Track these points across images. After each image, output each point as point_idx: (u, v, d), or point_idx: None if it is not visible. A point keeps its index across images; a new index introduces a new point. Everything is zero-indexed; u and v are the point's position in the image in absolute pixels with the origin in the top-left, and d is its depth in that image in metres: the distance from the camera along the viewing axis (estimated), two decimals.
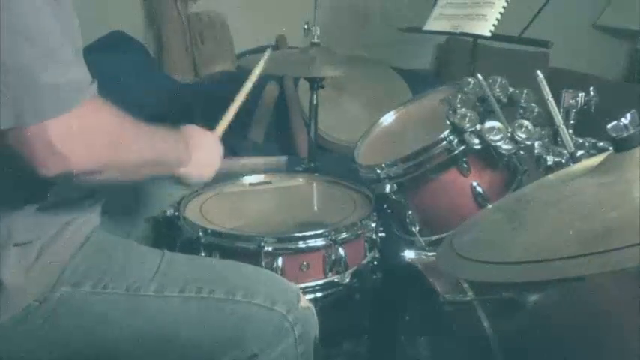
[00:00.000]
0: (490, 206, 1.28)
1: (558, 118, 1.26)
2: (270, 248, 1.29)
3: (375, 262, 1.45)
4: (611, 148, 0.89)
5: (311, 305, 1.20)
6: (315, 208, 1.56)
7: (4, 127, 0.85)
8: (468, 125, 1.32)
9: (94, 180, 0.95)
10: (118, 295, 1.07)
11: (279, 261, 1.30)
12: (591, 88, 1.29)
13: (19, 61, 0.84)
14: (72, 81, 0.89)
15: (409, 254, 1.36)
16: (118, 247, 1.16)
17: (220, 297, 1.11)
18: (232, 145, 2.47)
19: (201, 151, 1.21)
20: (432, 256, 1.33)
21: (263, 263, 1.28)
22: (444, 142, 1.35)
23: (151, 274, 1.10)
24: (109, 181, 0.99)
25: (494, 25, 1.92)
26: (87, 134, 0.91)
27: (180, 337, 1.10)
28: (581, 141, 1.26)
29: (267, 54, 1.49)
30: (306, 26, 1.97)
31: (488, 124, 1.32)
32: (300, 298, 1.18)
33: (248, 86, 1.41)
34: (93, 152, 0.92)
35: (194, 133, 1.23)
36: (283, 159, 1.56)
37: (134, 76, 2.42)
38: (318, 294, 1.34)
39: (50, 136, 0.87)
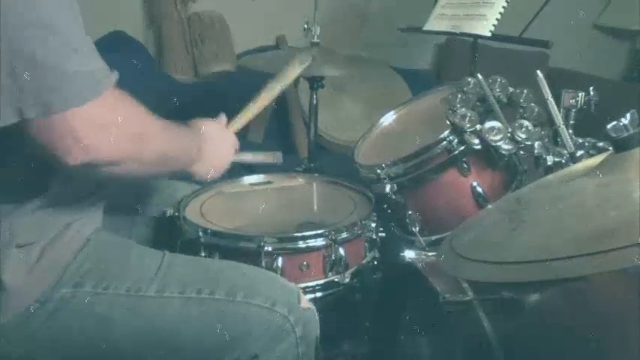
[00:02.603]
0: (490, 206, 1.28)
1: (558, 118, 1.26)
2: (270, 248, 1.29)
3: (375, 262, 1.45)
4: (611, 148, 0.89)
5: (312, 306, 1.20)
6: (315, 208, 1.56)
7: (29, 116, 0.86)
8: (468, 125, 1.32)
9: (114, 172, 0.96)
10: (119, 296, 1.07)
11: (279, 261, 1.30)
12: (591, 88, 1.29)
13: (45, 53, 0.86)
14: (95, 71, 0.91)
15: (409, 254, 1.35)
16: (118, 248, 1.16)
17: (221, 298, 1.11)
18: None
19: (213, 145, 1.22)
20: (432, 256, 1.33)
21: (263, 263, 1.28)
22: (444, 142, 1.35)
23: (152, 275, 1.10)
24: (127, 174, 1.00)
25: (494, 25, 1.92)
26: (112, 124, 0.92)
27: (180, 338, 1.10)
28: (581, 141, 1.26)
29: (307, 61, 1.49)
30: (306, 26, 1.97)
31: (488, 124, 1.32)
32: (300, 298, 1.18)
33: (277, 89, 1.42)
34: (117, 142, 0.93)
35: (206, 127, 1.24)
36: (279, 154, 1.54)
37: (134, 76, 2.41)
38: (318, 294, 1.34)
39: (76, 125, 0.88)
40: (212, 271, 1.18)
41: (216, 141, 1.24)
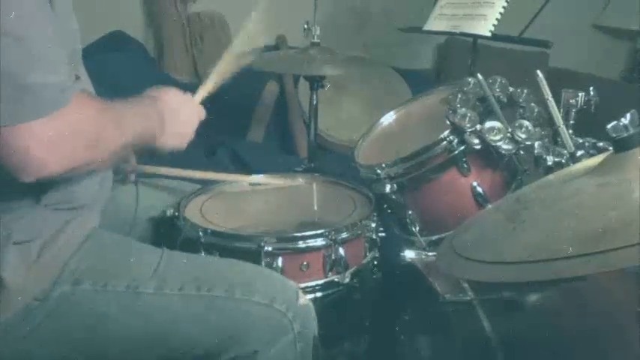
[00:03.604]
0: (490, 206, 1.28)
1: (558, 118, 1.26)
2: (270, 248, 1.29)
3: (375, 262, 1.45)
4: (611, 148, 0.89)
5: (310, 303, 1.20)
6: (315, 208, 1.56)
7: None
8: (468, 125, 1.32)
9: (72, 175, 0.97)
10: (118, 294, 1.07)
11: (279, 261, 1.30)
12: (591, 88, 1.29)
13: (6, 62, 0.84)
14: (55, 84, 0.89)
15: (409, 254, 1.36)
16: (117, 245, 1.16)
17: (220, 295, 1.11)
18: (232, 145, 2.47)
19: (175, 115, 1.18)
20: (432, 256, 1.33)
21: (263, 263, 1.28)
22: (444, 142, 1.35)
23: (151, 272, 1.10)
24: (90, 171, 1.02)
25: (494, 25, 1.92)
26: (68, 137, 0.91)
27: (179, 335, 1.10)
28: (581, 141, 1.26)
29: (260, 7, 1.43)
30: (306, 26, 1.97)
31: (488, 124, 1.32)
32: (299, 295, 1.18)
33: (231, 51, 1.39)
34: (71, 155, 0.92)
35: (168, 99, 1.20)
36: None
37: (134, 76, 2.41)
38: (318, 294, 1.34)
39: (27, 141, 0.86)
40: (211, 268, 1.18)
41: (177, 109, 1.20)
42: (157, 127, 1.15)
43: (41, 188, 1.03)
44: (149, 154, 1.21)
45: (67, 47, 0.97)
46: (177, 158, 1.35)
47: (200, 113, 1.28)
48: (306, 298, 1.20)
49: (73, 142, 0.91)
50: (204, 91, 1.34)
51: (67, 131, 0.90)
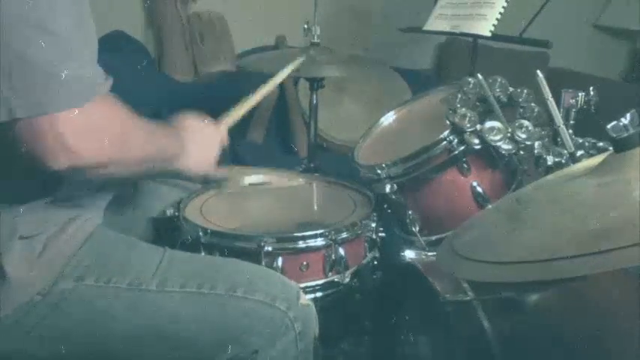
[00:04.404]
0: (490, 206, 1.28)
1: (558, 118, 1.26)
2: (270, 248, 1.29)
3: (375, 262, 1.45)
4: (611, 148, 0.89)
5: (311, 303, 1.21)
6: (315, 208, 1.56)
7: (19, 116, 0.87)
8: (468, 125, 1.32)
9: (99, 174, 0.97)
10: (120, 290, 1.08)
11: (279, 261, 1.30)
12: (591, 88, 1.29)
13: (39, 54, 0.86)
14: (87, 78, 0.92)
15: (409, 254, 1.36)
16: (120, 243, 1.17)
17: (221, 293, 1.12)
18: (232, 145, 2.47)
19: (197, 141, 1.21)
20: (432, 256, 1.33)
21: (263, 263, 1.28)
22: (444, 142, 1.35)
23: (153, 269, 1.11)
24: (113, 176, 1.01)
25: (494, 25, 1.92)
26: (97, 130, 0.93)
27: (181, 333, 1.10)
28: (581, 141, 1.26)
29: (298, 60, 1.53)
30: (306, 26, 1.97)
31: (488, 124, 1.32)
32: (300, 295, 1.18)
33: (270, 85, 1.44)
34: (101, 147, 0.94)
35: (190, 125, 1.23)
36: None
37: (134, 76, 2.41)
38: (318, 294, 1.34)
39: (61, 129, 0.88)
40: (212, 266, 1.18)
41: (200, 137, 1.23)
42: (179, 149, 1.17)
43: (48, 184, 1.03)
44: (173, 177, 1.22)
45: (90, 46, 0.98)
46: None
47: (223, 138, 1.31)
48: (307, 298, 1.20)
49: (101, 134, 0.94)
50: (231, 119, 1.36)
51: (97, 123, 0.93)
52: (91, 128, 0.92)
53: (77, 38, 0.91)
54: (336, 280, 1.35)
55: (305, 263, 1.32)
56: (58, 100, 0.88)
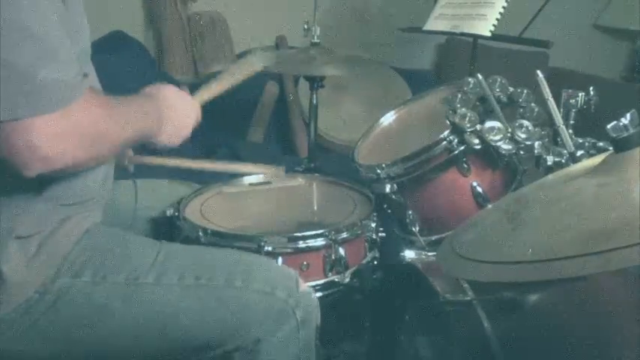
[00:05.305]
0: (490, 206, 1.28)
1: (558, 118, 1.26)
2: (270, 248, 1.29)
3: (375, 262, 1.45)
4: (611, 148, 0.89)
5: (311, 290, 1.20)
6: (315, 208, 1.56)
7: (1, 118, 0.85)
8: (468, 125, 1.32)
9: (73, 171, 0.99)
10: (118, 285, 1.07)
11: (279, 261, 1.30)
12: (591, 88, 1.29)
13: (17, 56, 0.85)
14: (64, 82, 0.90)
15: (409, 254, 1.36)
16: (116, 238, 1.16)
17: (220, 284, 1.11)
18: (232, 145, 2.48)
19: (173, 110, 1.19)
20: (432, 256, 1.33)
21: None
22: (444, 142, 1.35)
23: (150, 263, 1.10)
24: (90, 167, 1.03)
25: (494, 25, 1.92)
26: (73, 134, 0.91)
27: (180, 326, 1.10)
28: (581, 141, 1.26)
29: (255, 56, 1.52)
30: (306, 26, 1.97)
31: (488, 124, 1.32)
32: (299, 283, 1.17)
33: (244, 64, 1.44)
34: (73, 152, 0.92)
35: (165, 95, 1.21)
36: (281, 169, 1.55)
37: (134, 76, 2.41)
38: (318, 294, 1.33)
39: (35, 137, 0.87)
40: (210, 258, 1.17)
41: (175, 106, 1.21)
42: (156, 123, 1.16)
43: (44, 183, 1.03)
44: (147, 149, 1.22)
45: (77, 45, 0.97)
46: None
47: (197, 111, 1.29)
48: (306, 286, 1.19)
49: (76, 140, 0.92)
50: (204, 95, 1.35)
51: (72, 129, 0.91)
52: (65, 134, 0.90)
53: (55, 39, 0.89)
54: (336, 280, 1.35)
55: (305, 263, 1.32)
56: (30, 106, 0.86)
